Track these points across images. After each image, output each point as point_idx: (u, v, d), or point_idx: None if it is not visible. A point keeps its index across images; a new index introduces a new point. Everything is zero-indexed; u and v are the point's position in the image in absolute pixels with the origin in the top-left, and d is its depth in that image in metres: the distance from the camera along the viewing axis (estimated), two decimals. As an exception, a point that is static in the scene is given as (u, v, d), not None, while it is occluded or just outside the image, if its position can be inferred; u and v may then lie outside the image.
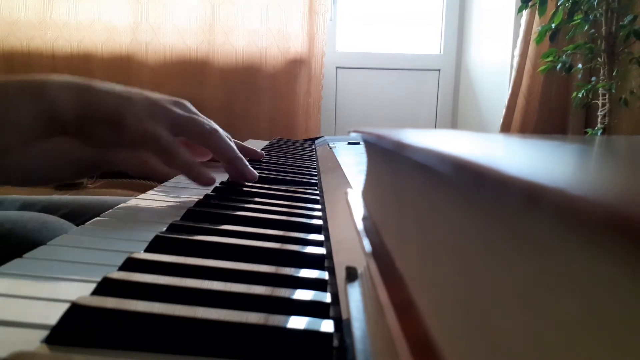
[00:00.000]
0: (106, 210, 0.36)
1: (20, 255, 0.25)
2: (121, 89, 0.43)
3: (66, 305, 0.18)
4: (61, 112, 0.40)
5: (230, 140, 0.48)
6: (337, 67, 2.13)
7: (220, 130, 0.47)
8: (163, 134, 0.41)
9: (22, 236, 0.48)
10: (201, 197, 0.39)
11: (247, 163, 0.47)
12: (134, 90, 0.44)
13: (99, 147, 0.43)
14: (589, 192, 0.07)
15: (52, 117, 0.39)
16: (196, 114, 0.45)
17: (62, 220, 0.55)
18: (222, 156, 0.45)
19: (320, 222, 0.34)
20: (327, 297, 0.21)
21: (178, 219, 0.33)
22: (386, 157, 0.25)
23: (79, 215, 0.63)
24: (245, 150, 0.60)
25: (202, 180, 0.42)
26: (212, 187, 0.43)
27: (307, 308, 0.20)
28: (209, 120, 0.46)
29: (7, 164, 0.43)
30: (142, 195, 0.43)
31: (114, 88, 0.43)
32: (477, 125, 2.00)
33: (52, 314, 0.18)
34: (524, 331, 0.10)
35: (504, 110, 1.71)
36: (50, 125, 0.40)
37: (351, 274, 0.22)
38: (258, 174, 0.48)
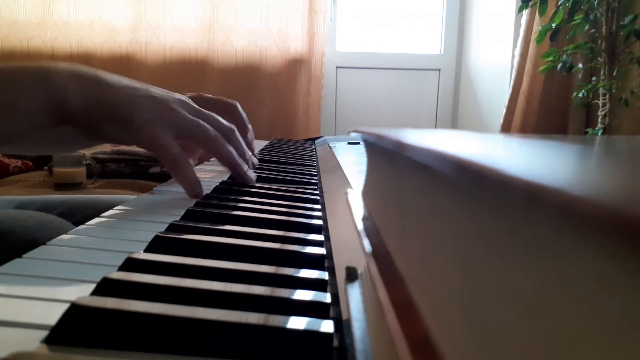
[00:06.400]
0: (102, 209, 0.36)
1: (18, 254, 0.24)
2: (128, 83, 0.43)
3: (66, 306, 0.17)
4: (69, 103, 0.39)
5: (236, 136, 0.48)
6: (337, 67, 2.13)
7: (224, 124, 0.47)
8: (172, 145, 0.41)
9: (21, 234, 0.48)
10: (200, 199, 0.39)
11: (246, 168, 0.47)
12: (141, 87, 0.43)
13: (105, 141, 0.43)
14: (590, 192, 0.07)
15: (59, 106, 0.39)
16: (201, 115, 0.45)
17: (61, 219, 0.55)
18: (223, 162, 0.46)
19: (320, 222, 0.34)
20: (327, 298, 0.21)
21: (178, 219, 0.33)
22: (386, 157, 0.25)
23: (74, 214, 0.63)
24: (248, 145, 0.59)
25: (195, 196, 0.42)
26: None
27: (307, 308, 0.20)
28: (213, 117, 0.46)
29: (7, 149, 0.43)
30: (142, 195, 0.43)
31: (121, 82, 0.42)
32: (478, 125, 2.00)
33: (52, 314, 0.18)
34: (524, 331, 0.10)
35: (504, 110, 1.71)
36: (57, 114, 0.39)
37: (351, 274, 0.22)
38: (258, 175, 0.50)
